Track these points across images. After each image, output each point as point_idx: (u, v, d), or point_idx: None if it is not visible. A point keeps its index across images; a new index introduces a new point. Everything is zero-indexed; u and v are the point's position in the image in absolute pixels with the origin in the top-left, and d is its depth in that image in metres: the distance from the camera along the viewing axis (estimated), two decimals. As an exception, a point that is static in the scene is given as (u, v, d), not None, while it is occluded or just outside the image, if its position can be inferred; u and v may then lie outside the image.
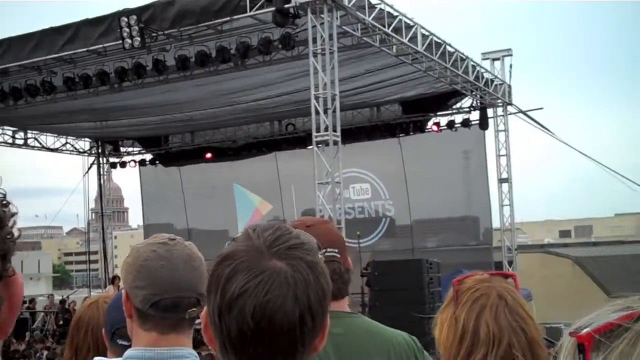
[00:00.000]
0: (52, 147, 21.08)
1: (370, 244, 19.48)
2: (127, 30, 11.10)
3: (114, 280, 20.45)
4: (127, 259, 1.84)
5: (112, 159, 23.08)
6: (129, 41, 11.13)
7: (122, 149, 23.05)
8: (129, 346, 1.83)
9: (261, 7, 10.56)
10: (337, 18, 10.81)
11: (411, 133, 18.87)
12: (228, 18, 10.78)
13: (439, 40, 13.75)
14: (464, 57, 15.07)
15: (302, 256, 1.13)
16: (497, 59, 17.51)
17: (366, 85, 15.97)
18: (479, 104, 17.63)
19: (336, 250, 2.11)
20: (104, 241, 23.38)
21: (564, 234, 70.09)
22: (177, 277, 1.77)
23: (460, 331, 1.83)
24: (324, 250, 1.97)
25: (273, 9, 10.40)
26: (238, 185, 22.11)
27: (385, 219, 20.09)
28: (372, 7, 11.51)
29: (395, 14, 12.15)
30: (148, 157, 22.57)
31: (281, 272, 1.09)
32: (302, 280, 1.09)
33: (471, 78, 15.53)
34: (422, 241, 19.71)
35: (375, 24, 11.58)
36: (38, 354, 12.83)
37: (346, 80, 13.46)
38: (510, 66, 17.52)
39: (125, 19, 11.12)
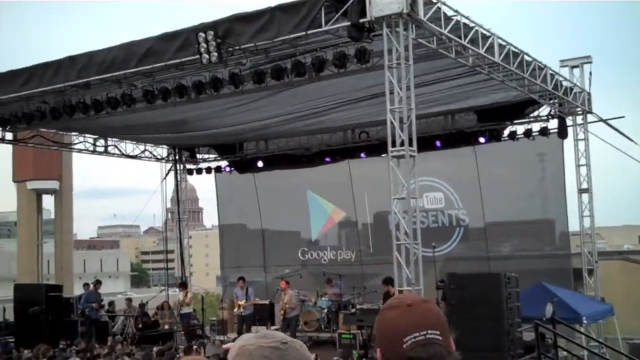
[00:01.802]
0: (131, 154, 21.69)
1: (444, 253, 19.31)
2: (204, 45, 11.29)
3: (183, 285, 20.89)
4: (238, 359, 1.80)
5: (188, 166, 23.65)
6: (207, 56, 11.32)
7: (199, 156, 23.60)
8: None
9: (336, 22, 10.57)
10: (412, 31, 10.71)
11: (487, 141, 18.55)
12: (303, 33, 10.81)
13: (516, 50, 13.48)
14: (542, 66, 14.72)
15: None
16: (576, 66, 17.05)
17: (440, 90, 15.76)
18: (557, 112, 17.21)
19: (438, 332, 1.97)
20: (181, 245, 23.93)
21: (644, 239, 67.60)
22: None
23: None
24: (424, 333, 1.94)
25: (348, 23, 10.39)
26: (311, 192, 22.28)
27: (459, 228, 19.87)
28: (448, 19, 11.35)
29: (472, 25, 11.96)
30: (223, 163, 23.03)
31: None
32: None
33: (549, 87, 15.16)
34: (496, 245, 19.43)
35: (451, 36, 11.42)
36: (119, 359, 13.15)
37: (420, 88, 13.31)
38: (590, 74, 17.04)
39: (203, 35, 11.31)
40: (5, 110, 15.57)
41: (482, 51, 12.13)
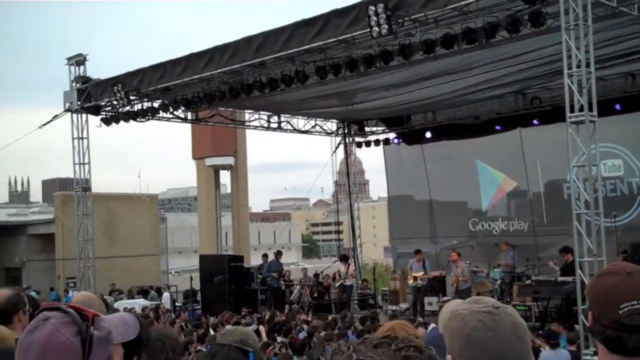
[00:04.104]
0: (302, 129, 22.40)
1: (624, 223, 18.30)
2: (374, 18, 11.40)
3: (344, 258, 21.27)
4: (451, 323, 1.84)
5: (357, 139, 24.02)
6: (377, 29, 11.43)
7: (367, 129, 23.88)
8: None
9: (510, -15, 10.30)
10: (591, -11, 10.21)
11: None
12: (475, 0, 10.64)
13: None
14: None
15: None
16: None
17: (619, 52, 14.85)
18: None
19: None
20: (352, 216, 24.46)
21: None
22: (504, 349, 1.76)
23: None
24: (635, 302, 1.93)
25: (522, -14, 10.09)
26: (480, 162, 21.89)
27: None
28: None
29: (657, -22, 11.19)
30: (391, 135, 23.19)
31: None
32: None
33: None
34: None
35: (634, -9, 10.77)
36: (298, 327, 13.71)
37: (597, 49, 12.65)
38: None
39: (373, 8, 11.41)
40: (188, 91, 16.57)
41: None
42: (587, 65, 10.27)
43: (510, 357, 1.75)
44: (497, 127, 20.59)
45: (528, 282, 16.79)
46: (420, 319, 14.49)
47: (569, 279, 13.72)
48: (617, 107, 17.68)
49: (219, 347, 3.08)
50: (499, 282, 17.94)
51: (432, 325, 8.46)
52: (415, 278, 18.72)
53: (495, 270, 18.44)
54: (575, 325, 11.49)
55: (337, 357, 1.08)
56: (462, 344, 1.78)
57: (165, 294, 25.39)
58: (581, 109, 10.30)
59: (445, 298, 17.77)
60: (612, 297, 1.93)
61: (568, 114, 10.48)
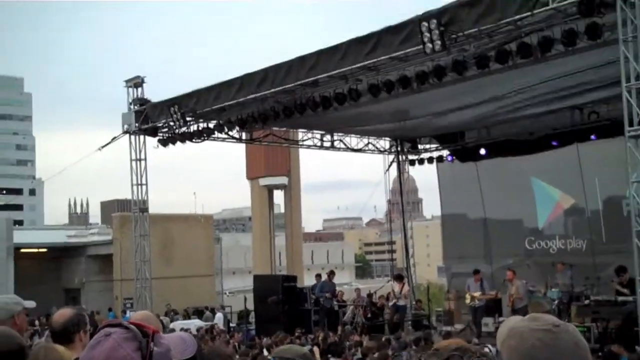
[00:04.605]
0: (355, 147, 22.41)
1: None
2: (427, 35, 11.38)
3: (399, 278, 21.04)
4: (509, 341, 1.80)
5: (410, 157, 23.90)
6: (430, 45, 11.41)
7: (420, 146, 23.76)
8: None
9: (564, -1, 10.18)
10: (649, 0, 10.00)
11: None
12: (529, 13, 10.53)
13: None
14: None
15: None
16: None
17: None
18: None
19: None
20: (405, 236, 24.29)
21: None
22: None
23: None
24: None
25: (578, -1, 9.96)
26: (536, 178, 21.53)
27: None
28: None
29: None
30: (445, 152, 23.02)
31: None
32: None
33: None
34: None
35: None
36: (352, 350, 13.58)
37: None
38: None
39: (426, 24, 11.41)
40: (243, 111, 16.78)
41: None
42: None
43: None
44: (554, 143, 20.22)
45: (587, 302, 16.40)
46: (475, 339, 14.27)
47: (630, 298, 13.36)
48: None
49: None
50: (556, 302, 17.55)
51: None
52: (472, 298, 18.45)
53: (553, 290, 18.04)
54: (637, 347, 11.16)
55: None
56: None
57: (219, 315, 25.60)
58: (640, 123, 10.08)
59: (501, 318, 17.47)
60: None
61: (627, 128, 10.26)
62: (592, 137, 19.02)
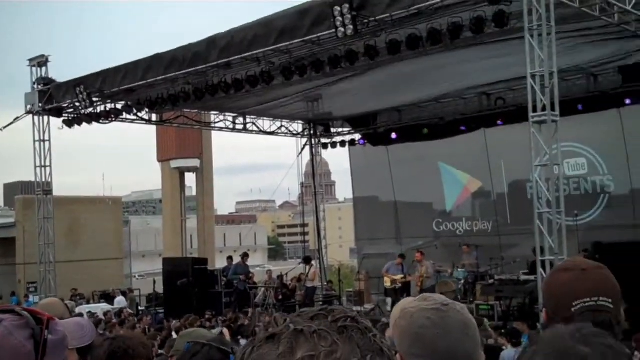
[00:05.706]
0: (268, 130, 22.30)
1: (586, 222, 18.55)
2: (340, 19, 11.39)
3: (307, 260, 21.26)
4: (400, 322, 1.82)
5: (323, 140, 24.00)
6: (342, 30, 11.42)
7: (333, 130, 23.88)
8: None
9: (473, -14, 10.37)
10: (553, -10, 10.32)
11: (633, 103, 17.53)
12: (439, 0, 10.68)
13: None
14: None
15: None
16: None
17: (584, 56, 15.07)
18: None
19: (610, 301, 1.92)
20: (317, 218, 24.41)
21: None
22: (453, 346, 1.74)
23: None
24: (595, 299, 1.91)
25: (485, -13, 10.17)
26: (444, 163, 22.03)
27: (604, 195, 19.01)
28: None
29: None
30: (357, 136, 23.22)
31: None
32: None
33: None
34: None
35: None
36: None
37: (561, 53, 12.82)
38: None
39: (338, 8, 11.40)
40: (152, 92, 16.38)
41: (629, 7, 11.48)
42: (550, 65, 10.37)
43: (459, 355, 1.72)
44: (462, 128, 20.72)
45: (491, 281, 16.95)
46: (384, 319, 14.49)
47: (532, 277, 13.87)
48: (580, 107, 17.90)
49: (199, 347, 2.99)
50: (462, 281, 18.08)
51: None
52: (394, 281, 18.77)
53: (459, 270, 18.57)
54: (538, 324, 11.59)
55: (272, 328, 1.06)
56: (411, 342, 1.76)
57: (118, 299, 24.88)
58: (544, 109, 10.41)
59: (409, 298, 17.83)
60: (565, 294, 1.91)
61: (530, 114, 10.59)
62: (499, 122, 19.56)
